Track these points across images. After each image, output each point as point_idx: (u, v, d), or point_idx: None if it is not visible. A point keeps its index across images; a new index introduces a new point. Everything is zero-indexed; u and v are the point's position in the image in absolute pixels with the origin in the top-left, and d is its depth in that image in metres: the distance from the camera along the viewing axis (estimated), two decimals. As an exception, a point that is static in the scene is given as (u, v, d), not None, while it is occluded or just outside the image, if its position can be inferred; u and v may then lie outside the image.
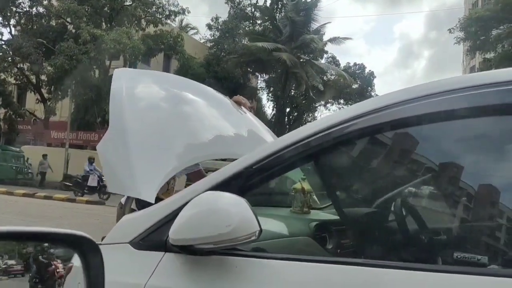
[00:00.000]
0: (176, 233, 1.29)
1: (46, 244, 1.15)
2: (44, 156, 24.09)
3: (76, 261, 1.13)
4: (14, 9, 28.46)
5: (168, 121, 2.10)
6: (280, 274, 1.24)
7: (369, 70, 40.57)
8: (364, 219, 1.46)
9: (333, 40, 31.88)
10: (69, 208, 14.86)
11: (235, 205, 1.22)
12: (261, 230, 1.21)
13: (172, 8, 29.24)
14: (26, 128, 33.00)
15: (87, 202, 17.21)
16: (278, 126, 32.67)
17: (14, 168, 26.01)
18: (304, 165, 1.60)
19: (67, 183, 23.45)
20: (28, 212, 12.54)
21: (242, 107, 2.62)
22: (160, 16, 28.86)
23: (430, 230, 1.36)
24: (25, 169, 27.08)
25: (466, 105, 1.18)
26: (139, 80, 2.30)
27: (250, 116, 2.65)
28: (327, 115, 1.99)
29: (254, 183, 1.41)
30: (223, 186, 1.38)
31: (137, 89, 2.14)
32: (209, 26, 35.96)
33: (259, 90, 38.46)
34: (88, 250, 0.98)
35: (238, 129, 2.38)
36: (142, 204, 1.88)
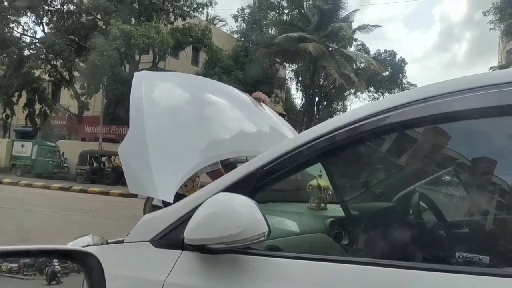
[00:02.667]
0: (190, 233, 1.35)
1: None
2: None
3: None
4: (46, 7, 29.16)
5: (187, 121, 2.14)
6: (291, 272, 1.28)
7: (400, 57, 39.85)
8: (375, 217, 1.47)
9: (362, 28, 31.38)
10: (103, 201, 15.27)
11: (245, 206, 1.27)
12: (270, 231, 1.25)
13: (200, 1, 29.37)
14: (61, 123, 33.89)
15: (120, 194, 17.62)
16: (307, 115, 32.51)
17: (50, 162, 26.84)
18: (312, 166, 1.63)
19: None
20: (64, 206, 12.95)
21: (262, 103, 2.65)
22: (188, 9, 29.03)
23: (449, 227, 1.36)
24: (61, 163, 27.91)
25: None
26: (159, 82, 2.35)
27: (270, 112, 2.67)
28: (339, 115, 1.97)
29: (265, 184, 1.45)
30: (235, 187, 1.42)
31: (157, 92, 2.19)
32: (235, 18, 35.97)
33: (287, 80, 38.31)
34: (90, 264, 1.05)
35: (259, 126, 2.41)
36: (166, 202, 1.94)
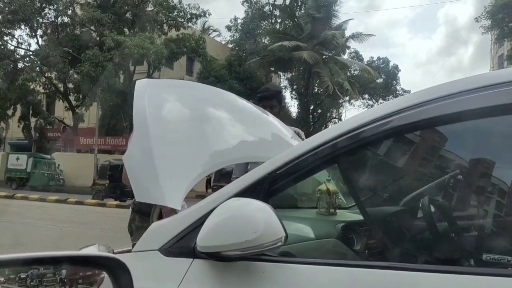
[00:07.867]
0: (203, 240, 1.31)
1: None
2: None
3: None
4: (40, 20, 29.15)
5: (191, 128, 2.11)
6: (308, 278, 1.24)
7: (393, 64, 40.16)
8: (392, 220, 1.44)
9: (356, 36, 31.57)
10: (100, 213, 15.15)
11: (260, 211, 1.23)
12: (287, 236, 1.21)
13: (193, 11, 29.52)
14: (56, 135, 33.77)
15: (117, 206, 17.50)
16: (302, 124, 32.56)
17: (46, 175, 26.70)
18: (327, 168, 1.59)
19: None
20: (60, 218, 12.84)
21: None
22: (182, 20, 29.15)
23: (462, 229, 1.34)
24: (57, 176, 27.78)
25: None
26: (161, 89, 2.32)
27: (273, 119, 2.64)
28: (348, 118, 1.95)
29: (279, 188, 1.42)
30: (248, 192, 1.39)
31: (160, 99, 2.16)
32: (229, 28, 36.21)
33: (282, 88, 38.36)
34: (117, 270, 1.00)
35: (263, 133, 2.38)
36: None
